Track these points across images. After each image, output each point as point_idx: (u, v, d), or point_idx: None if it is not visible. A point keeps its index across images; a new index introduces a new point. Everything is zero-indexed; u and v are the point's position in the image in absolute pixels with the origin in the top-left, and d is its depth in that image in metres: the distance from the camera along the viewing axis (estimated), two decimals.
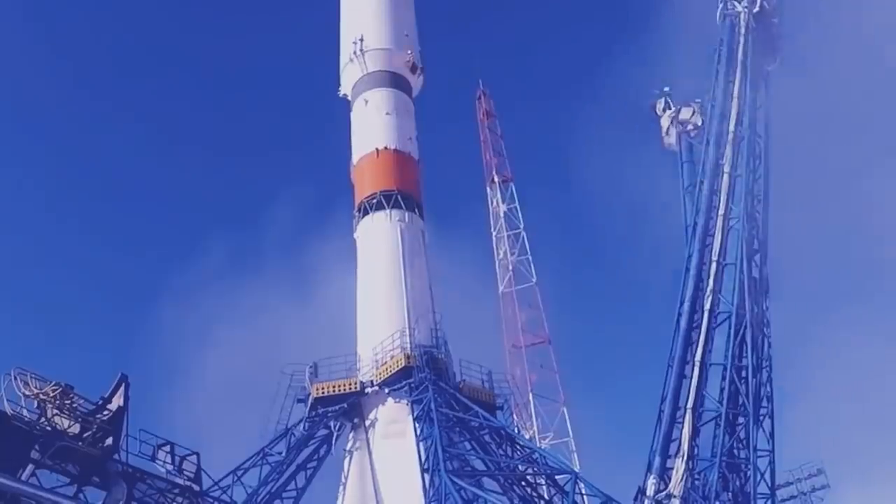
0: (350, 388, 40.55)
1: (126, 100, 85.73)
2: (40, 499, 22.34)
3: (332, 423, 40.86)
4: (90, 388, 24.42)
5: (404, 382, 39.64)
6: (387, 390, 40.31)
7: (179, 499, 25.52)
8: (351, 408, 40.71)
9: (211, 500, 27.49)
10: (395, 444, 39.03)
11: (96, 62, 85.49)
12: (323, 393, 40.58)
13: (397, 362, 39.89)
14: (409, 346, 40.10)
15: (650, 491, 32.80)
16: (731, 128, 40.05)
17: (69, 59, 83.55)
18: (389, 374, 40.04)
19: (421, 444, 36.93)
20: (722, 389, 35.01)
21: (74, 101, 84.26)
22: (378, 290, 42.99)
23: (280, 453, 39.56)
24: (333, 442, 40.89)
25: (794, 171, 41.21)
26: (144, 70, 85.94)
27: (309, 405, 40.62)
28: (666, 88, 44.86)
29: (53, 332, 79.60)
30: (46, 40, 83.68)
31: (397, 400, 40.12)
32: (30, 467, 22.77)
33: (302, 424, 40.36)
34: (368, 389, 40.54)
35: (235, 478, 37.78)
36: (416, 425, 37.81)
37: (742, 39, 41.90)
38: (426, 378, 38.84)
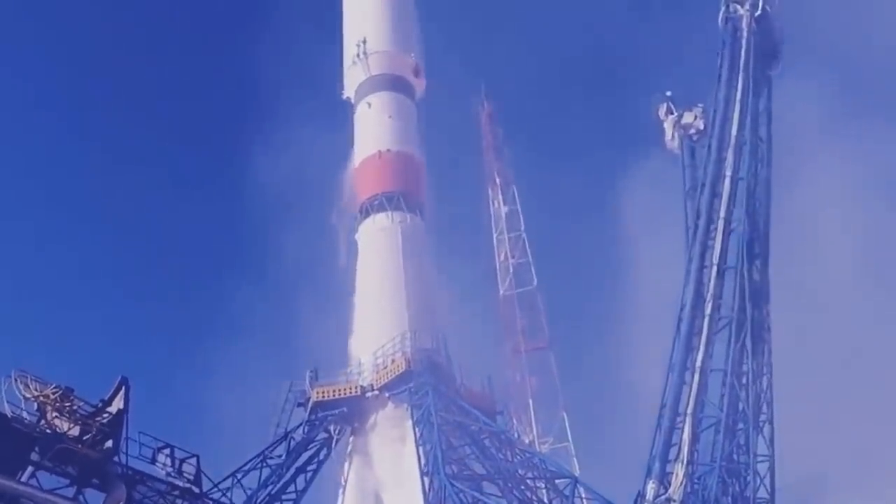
0: (350, 392, 40.55)
1: (124, 98, 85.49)
2: (39, 500, 22.33)
3: (331, 427, 40.85)
4: (91, 392, 24.46)
5: (404, 387, 39.65)
6: (387, 394, 40.32)
7: (179, 500, 25.51)
8: (351, 412, 40.69)
9: (210, 502, 27.43)
10: (395, 447, 39.03)
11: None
12: (323, 397, 40.57)
13: (398, 366, 39.88)
14: (409, 349, 40.07)
15: (650, 495, 32.75)
16: (734, 132, 39.99)
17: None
18: (390, 378, 40.05)
19: (421, 447, 36.93)
20: (722, 395, 34.98)
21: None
22: (379, 293, 42.97)
23: (280, 456, 39.53)
24: (333, 445, 40.88)
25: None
26: (141, 69, 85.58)
27: (309, 409, 40.57)
28: (668, 93, 44.70)
29: (54, 335, 79.42)
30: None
31: (397, 404, 40.10)
32: (29, 469, 22.78)
33: (302, 428, 40.33)
34: (369, 393, 40.52)
35: (235, 480, 37.79)
36: (416, 429, 37.80)
37: (744, 43, 41.82)
38: (426, 382, 38.82)
